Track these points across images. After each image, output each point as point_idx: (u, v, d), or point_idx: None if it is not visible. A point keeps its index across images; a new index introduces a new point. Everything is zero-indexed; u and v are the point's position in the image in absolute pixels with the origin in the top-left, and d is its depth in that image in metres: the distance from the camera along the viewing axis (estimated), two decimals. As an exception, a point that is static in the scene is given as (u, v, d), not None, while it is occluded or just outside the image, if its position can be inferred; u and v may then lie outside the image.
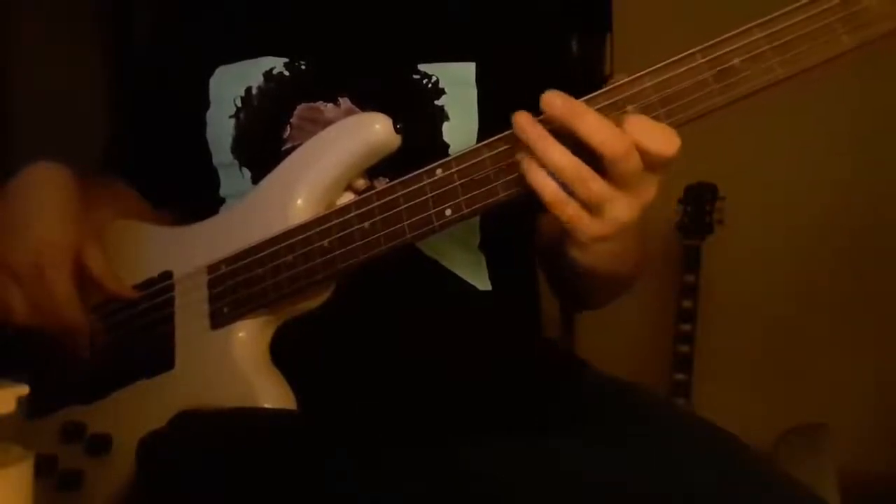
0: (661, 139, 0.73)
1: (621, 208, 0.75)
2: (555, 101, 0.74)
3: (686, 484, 0.70)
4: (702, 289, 1.95)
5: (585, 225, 0.76)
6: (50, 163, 0.93)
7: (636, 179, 0.74)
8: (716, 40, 0.74)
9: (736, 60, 0.73)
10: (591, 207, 0.75)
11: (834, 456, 1.65)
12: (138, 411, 0.88)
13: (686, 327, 1.93)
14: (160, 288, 0.92)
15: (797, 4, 0.72)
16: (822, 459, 1.63)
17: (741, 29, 0.73)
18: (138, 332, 0.92)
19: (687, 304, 1.94)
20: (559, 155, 0.74)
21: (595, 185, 0.74)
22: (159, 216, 1.05)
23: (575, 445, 0.75)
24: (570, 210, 0.76)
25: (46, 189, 0.90)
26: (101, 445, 0.89)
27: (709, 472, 0.72)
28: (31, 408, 0.92)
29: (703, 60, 0.74)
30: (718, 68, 0.73)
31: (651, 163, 0.74)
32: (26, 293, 0.87)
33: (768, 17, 0.73)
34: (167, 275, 0.92)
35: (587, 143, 0.73)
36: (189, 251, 0.91)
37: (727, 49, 0.73)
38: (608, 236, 0.77)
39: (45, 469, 0.87)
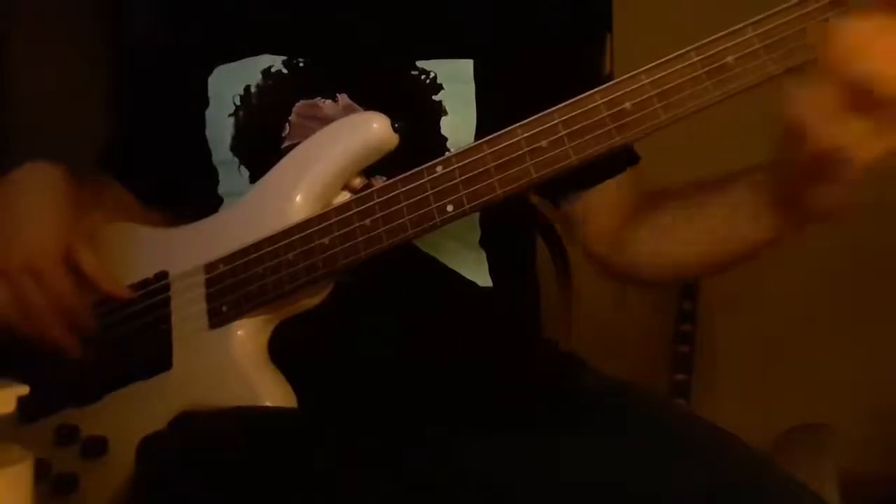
0: None
1: None
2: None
3: (686, 484, 0.70)
4: (702, 289, 1.95)
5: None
6: (42, 163, 0.92)
7: None
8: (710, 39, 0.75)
9: (729, 58, 0.74)
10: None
11: (834, 456, 1.64)
12: (135, 413, 0.88)
13: (686, 327, 1.93)
14: (155, 288, 0.91)
15: (789, 4, 0.73)
16: (822, 459, 1.62)
17: (734, 28, 0.74)
18: (134, 334, 0.92)
19: (687, 304, 1.94)
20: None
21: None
22: (155, 218, 1.05)
23: (574, 445, 0.75)
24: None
25: (37, 190, 0.90)
26: (96, 448, 0.88)
27: (708, 473, 0.72)
28: (23, 412, 0.92)
29: (698, 58, 0.75)
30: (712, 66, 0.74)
31: None
32: (17, 296, 0.87)
33: (761, 15, 0.74)
34: (162, 275, 0.92)
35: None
36: (185, 251, 0.91)
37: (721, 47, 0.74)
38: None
39: (38, 473, 0.87)
